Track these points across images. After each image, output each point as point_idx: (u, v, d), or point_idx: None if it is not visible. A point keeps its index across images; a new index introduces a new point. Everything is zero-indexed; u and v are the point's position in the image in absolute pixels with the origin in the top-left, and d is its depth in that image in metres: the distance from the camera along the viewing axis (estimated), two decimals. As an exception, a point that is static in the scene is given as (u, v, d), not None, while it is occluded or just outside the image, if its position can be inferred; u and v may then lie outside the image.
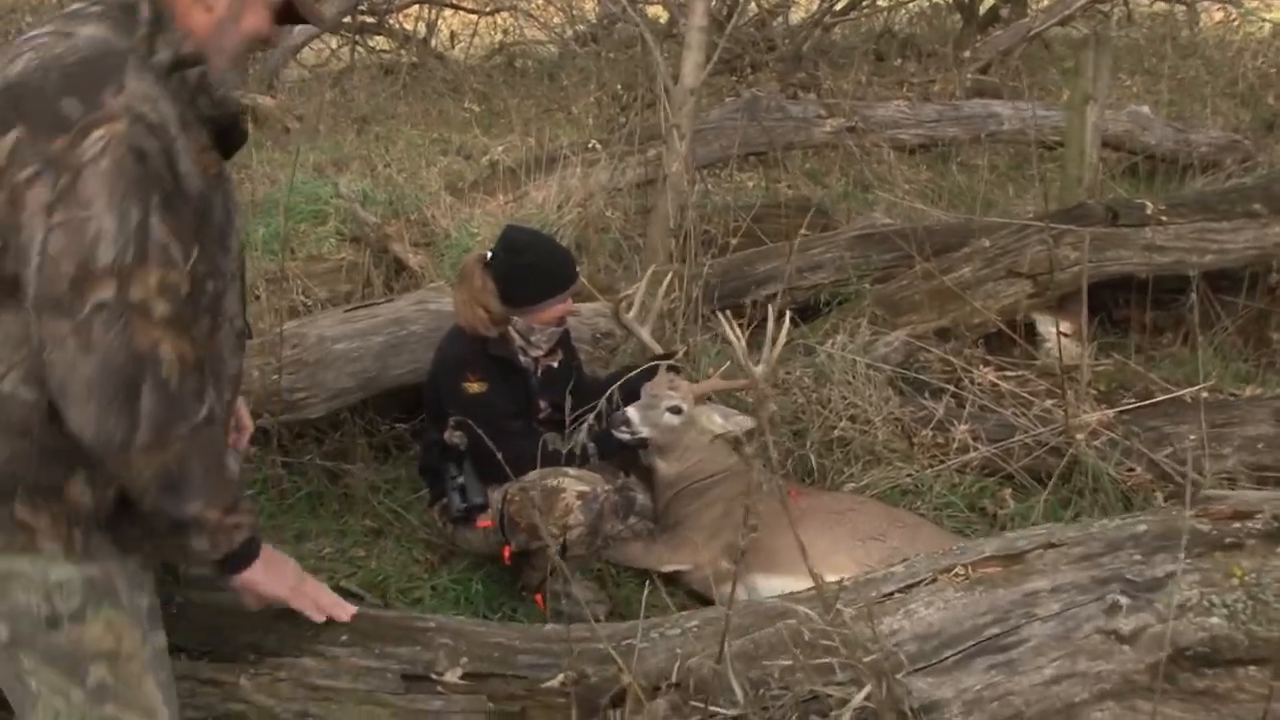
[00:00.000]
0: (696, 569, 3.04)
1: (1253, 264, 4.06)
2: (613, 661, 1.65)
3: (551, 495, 2.73)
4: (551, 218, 4.81)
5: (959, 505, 3.29)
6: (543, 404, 3.03)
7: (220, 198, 1.68)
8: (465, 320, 2.94)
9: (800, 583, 2.64)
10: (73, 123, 1.45)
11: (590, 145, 5.35)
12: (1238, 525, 1.62)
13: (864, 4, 9.31)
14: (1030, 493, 3.27)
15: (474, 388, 2.82)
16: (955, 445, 3.40)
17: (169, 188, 1.52)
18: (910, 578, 1.73)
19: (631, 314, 3.41)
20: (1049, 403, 3.48)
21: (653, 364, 3.34)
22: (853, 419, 3.52)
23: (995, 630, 1.62)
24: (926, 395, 3.62)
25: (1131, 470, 3.22)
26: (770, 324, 3.19)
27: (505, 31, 10.68)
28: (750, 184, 6.45)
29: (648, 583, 2.96)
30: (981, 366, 3.73)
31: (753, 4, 8.80)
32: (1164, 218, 3.96)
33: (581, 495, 2.73)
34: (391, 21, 9.39)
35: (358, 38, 9.60)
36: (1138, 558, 1.63)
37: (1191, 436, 3.24)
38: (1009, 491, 3.33)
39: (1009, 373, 3.69)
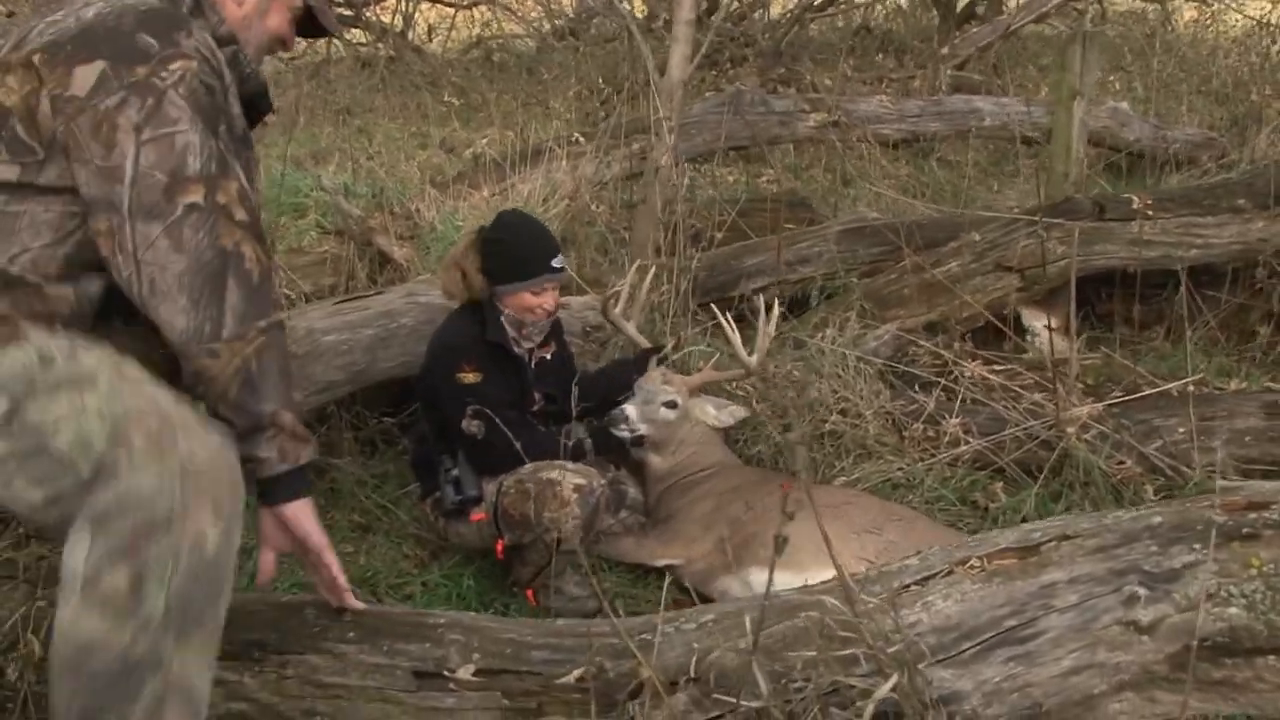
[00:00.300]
0: (689, 563, 3.02)
1: (1237, 259, 4.09)
2: (629, 656, 1.63)
3: (548, 488, 2.71)
4: (538, 210, 4.77)
5: (950, 498, 3.29)
6: (536, 395, 3.01)
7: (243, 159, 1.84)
8: (442, 285, 3.03)
9: (797, 577, 2.63)
10: (152, 55, 1.64)
11: (574, 139, 5.32)
12: (1254, 516, 1.63)
13: (840, 0, 9.32)
14: (1021, 486, 3.27)
15: (469, 378, 2.80)
16: (946, 439, 3.40)
17: (229, 123, 1.73)
18: (926, 570, 1.72)
19: (619, 309, 3.40)
20: (1038, 396, 3.49)
21: (641, 356, 3.33)
22: (843, 412, 3.52)
23: (1013, 622, 1.61)
24: (917, 389, 3.63)
25: (1122, 463, 3.23)
26: (763, 314, 3.20)
27: (486, 25, 10.62)
28: (731, 178, 6.44)
29: (666, 578, 2.94)
30: (970, 360, 3.73)
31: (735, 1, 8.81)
32: (1150, 212, 3.98)
33: (578, 488, 2.71)
34: (369, 14, 9.29)
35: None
36: (1154, 549, 1.63)
37: (1181, 430, 3.27)
38: (1000, 485, 3.33)
39: (998, 366, 3.69)
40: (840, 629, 1.50)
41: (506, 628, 1.80)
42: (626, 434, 3.05)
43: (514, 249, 2.91)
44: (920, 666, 1.52)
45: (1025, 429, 3.33)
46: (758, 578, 2.88)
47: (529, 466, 2.76)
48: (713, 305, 3.53)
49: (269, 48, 1.96)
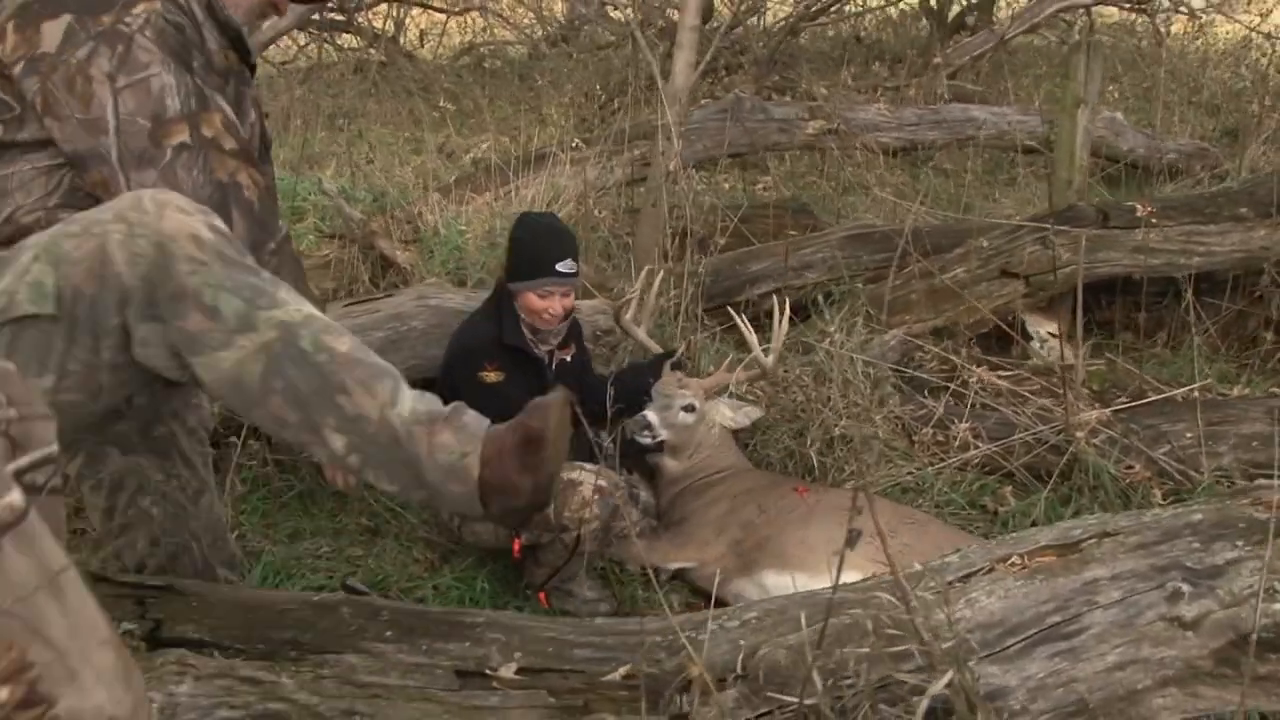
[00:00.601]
0: (702, 566, 3.02)
1: (1239, 266, 4.14)
2: (674, 653, 1.63)
3: (569, 488, 2.71)
4: (543, 216, 4.79)
5: (959, 502, 3.31)
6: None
7: (232, 90, 1.87)
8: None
9: (812, 580, 2.64)
10: (115, 1, 1.64)
11: (575, 145, 5.32)
12: (1293, 514, 1.65)
13: (832, 9, 9.37)
14: (1030, 490, 3.29)
15: (491, 377, 2.79)
16: (956, 443, 3.42)
17: (203, 58, 1.72)
18: (967, 567, 1.73)
19: (629, 315, 3.41)
20: (1046, 401, 3.52)
21: (655, 361, 3.33)
22: (854, 417, 3.53)
23: (1057, 618, 1.62)
24: (925, 393, 3.65)
25: (1130, 468, 3.26)
26: (777, 315, 3.21)
27: (483, 30, 10.61)
28: (727, 185, 6.47)
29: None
30: (977, 366, 3.76)
31: (725, 9, 8.84)
32: (1154, 220, 4.02)
33: (599, 490, 2.71)
34: (360, 19, 9.27)
35: (326, 35, 9.48)
36: (1196, 545, 1.65)
37: (1188, 434, 3.30)
38: (1009, 489, 3.36)
39: (1005, 372, 3.72)
40: (892, 625, 1.50)
41: (547, 627, 1.79)
42: (649, 440, 3.05)
43: (526, 248, 2.92)
44: (969, 663, 1.52)
45: (1034, 434, 3.35)
46: (772, 581, 2.87)
47: (549, 467, 2.76)
48: (729, 309, 3.54)
49: (260, 11, 1.94)
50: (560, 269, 2.89)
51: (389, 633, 1.80)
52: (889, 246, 4.39)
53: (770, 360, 3.18)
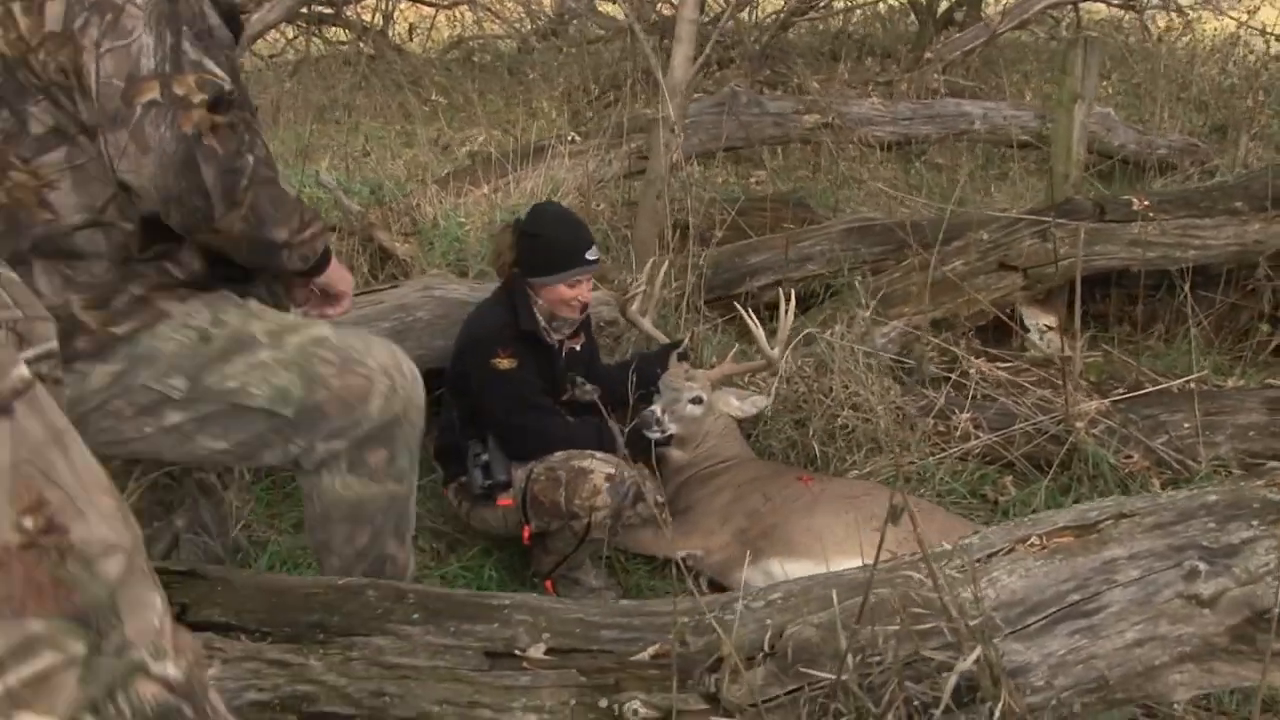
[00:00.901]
0: (708, 554, 3.05)
1: (1233, 260, 4.19)
2: (700, 634, 1.65)
3: (580, 476, 2.73)
4: (543, 208, 4.80)
5: (961, 492, 3.34)
6: (567, 386, 3.02)
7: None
8: (490, 260, 3.17)
9: (818, 567, 2.67)
10: None
11: (570, 139, 5.34)
12: (1306, 495, 1.69)
13: (821, 4, 9.41)
14: (1031, 479, 3.33)
15: (504, 364, 2.81)
16: (957, 433, 3.46)
17: (201, 27, 1.73)
18: (987, 548, 1.76)
19: (634, 307, 3.43)
20: (1045, 391, 3.55)
21: (662, 351, 3.36)
22: (855, 407, 3.56)
23: (1077, 596, 1.65)
24: (926, 384, 3.68)
25: (1129, 457, 3.30)
26: (782, 305, 3.24)
27: (473, 23, 10.59)
28: (720, 179, 6.49)
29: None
30: (977, 357, 3.79)
31: (714, 3, 8.86)
32: (1150, 214, 4.06)
33: (610, 478, 2.73)
34: (348, 13, 9.25)
35: (314, 28, 9.45)
36: (1212, 525, 1.68)
37: (1186, 424, 3.35)
38: (1010, 478, 3.39)
39: (1004, 363, 3.76)
40: (919, 603, 1.53)
41: (572, 609, 1.81)
42: (658, 434, 3.07)
43: (550, 243, 2.92)
44: (995, 640, 1.55)
45: (1034, 424, 3.39)
46: (777, 569, 2.90)
47: (560, 454, 2.78)
48: (735, 303, 3.57)
49: None
50: (589, 256, 2.93)
51: (415, 615, 1.81)
52: (888, 239, 4.43)
53: (776, 352, 3.20)
